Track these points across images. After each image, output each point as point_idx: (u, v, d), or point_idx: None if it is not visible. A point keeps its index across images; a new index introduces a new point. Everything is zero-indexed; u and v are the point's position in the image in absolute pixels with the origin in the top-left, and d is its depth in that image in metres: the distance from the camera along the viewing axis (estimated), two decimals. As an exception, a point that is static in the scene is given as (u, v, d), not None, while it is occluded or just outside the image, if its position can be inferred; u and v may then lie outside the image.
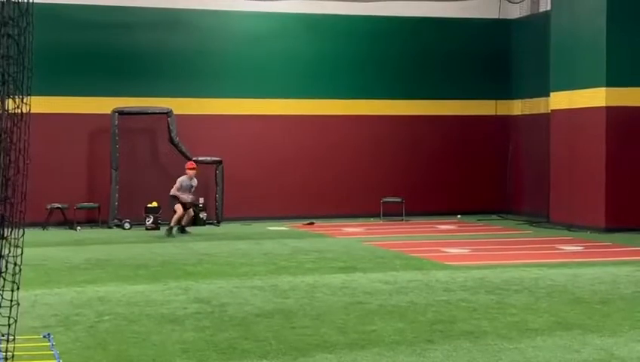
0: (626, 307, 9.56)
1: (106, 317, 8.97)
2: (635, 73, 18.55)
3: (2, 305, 6.50)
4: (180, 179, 18.50)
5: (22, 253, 6.32)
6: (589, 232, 18.17)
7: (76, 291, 10.70)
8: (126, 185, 20.04)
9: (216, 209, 20.57)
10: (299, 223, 20.46)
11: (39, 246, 15.17)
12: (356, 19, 22.23)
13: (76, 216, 19.82)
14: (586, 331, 8.27)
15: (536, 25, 22.02)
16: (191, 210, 18.64)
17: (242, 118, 21.44)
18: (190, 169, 18.62)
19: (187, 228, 18.56)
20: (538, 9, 22.46)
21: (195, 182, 18.63)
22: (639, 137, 18.68)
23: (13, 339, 6.67)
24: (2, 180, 6.15)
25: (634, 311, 9.33)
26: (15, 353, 6.75)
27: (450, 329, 8.38)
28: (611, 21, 18.50)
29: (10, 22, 6.13)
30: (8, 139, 6.14)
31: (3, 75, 6.15)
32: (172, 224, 18.13)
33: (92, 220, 20.20)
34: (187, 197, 18.41)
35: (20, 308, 6.55)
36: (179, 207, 18.15)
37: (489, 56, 23.07)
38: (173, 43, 21.11)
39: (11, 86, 6.19)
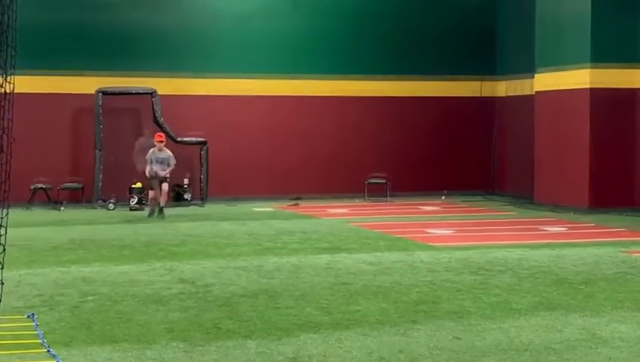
0: (609, 287, 9.62)
1: (90, 298, 8.96)
2: (619, 51, 18.60)
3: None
4: (149, 151, 18.04)
5: (6, 233, 6.31)
6: (572, 213, 18.26)
7: (60, 271, 10.68)
8: (110, 165, 19.97)
9: (201, 189, 20.55)
10: (284, 202, 20.43)
11: (23, 227, 15.11)
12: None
13: (60, 196, 19.76)
14: (568, 311, 8.32)
15: (521, 3, 22.00)
16: (165, 184, 17.85)
17: (227, 99, 21.38)
18: (158, 141, 17.97)
19: (165, 209, 17.94)
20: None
21: (166, 155, 17.89)
22: (623, 118, 18.77)
23: (-3, 319, 6.66)
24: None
25: (616, 291, 9.39)
26: (-1, 333, 6.75)
27: (434, 309, 8.42)
28: (597, -1, 18.59)
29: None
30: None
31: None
32: (150, 204, 17.93)
33: (76, 200, 20.14)
34: (162, 171, 17.79)
35: (4, 288, 6.55)
36: (151, 192, 17.91)
37: (475, 35, 23.06)
38: (158, 21, 21.02)
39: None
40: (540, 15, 20.11)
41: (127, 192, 19.63)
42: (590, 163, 18.57)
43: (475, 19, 23.14)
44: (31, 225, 15.90)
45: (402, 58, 22.53)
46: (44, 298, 8.90)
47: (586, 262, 11.49)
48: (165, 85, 20.53)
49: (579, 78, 18.84)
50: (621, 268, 10.96)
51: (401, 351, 6.77)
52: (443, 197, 22.00)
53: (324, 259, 11.76)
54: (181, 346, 6.91)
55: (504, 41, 22.92)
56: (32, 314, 7.96)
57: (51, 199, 19.77)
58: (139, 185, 19.65)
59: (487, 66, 23.11)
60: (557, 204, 19.07)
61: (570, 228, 15.74)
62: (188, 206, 20.13)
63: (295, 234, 14.59)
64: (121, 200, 19.63)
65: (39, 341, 7.01)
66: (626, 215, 17.69)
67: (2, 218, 6.30)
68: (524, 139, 21.14)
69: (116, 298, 8.94)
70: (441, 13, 22.85)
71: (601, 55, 18.53)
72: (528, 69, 20.95)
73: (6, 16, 6.15)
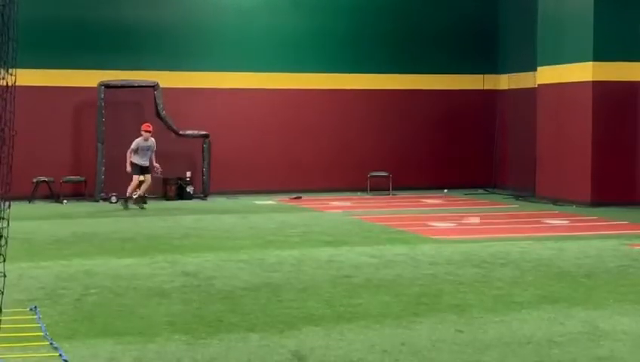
0: (611, 280, 9.62)
1: (93, 291, 8.96)
2: (622, 47, 18.56)
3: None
4: (135, 141, 18.25)
5: (8, 226, 6.31)
6: (574, 206, 18.25)
7: (63, 264, 10.69)
8: (112, 158, 19.95)
9: (203, 183, 20.54)
10: (286, 197, 20.46)
11: (25, 220, 15.12)
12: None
13: (62, 190, 19.77)
14: (571, 304, 8.32)
15: (523, 0, 21.97)
16: (149, 176, 18.30)
17: (229, 92, 21.37)
18: (145, 131, 18.32)
19: (147, 200, 18.55)
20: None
21: (151, 142, 18.30)
22: (625, 112, 18.74)
23: (0, 312, 6.66)
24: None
25: (618, 284, 9.39)
26: (1, 326, 6.74)
27: (436, 302, 8.42)
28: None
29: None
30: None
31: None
32: (127, 194, 18.10)
33: (78, 194, 20.15)
34: (144, 161, 18.19)
35: (6, 281, 6.54)
36: (135, 178, 18.09)
37: (476, 30, 23.03)
38: (159, 16, 21.00)
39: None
40: (542, 12, 20.07)
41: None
42: (592, 157, 18.54)
43: (476, 17, 23.09)
44: (33, 219, 15.90)
45: (404, 56, 22.49)
46: (47, 291, 8.92)
47: (588, 255, 11.49)
48: (167, 79, 20.51)
49: (581, 70, 18.80)
50: (624, 261, 10.96)
51: (403, 345, 6.77)
52: (445, 191, 22.01)
53: (327, 252, 11.76)
54: (183, 339, 6.91)
55: (506, 38, 22.88)
56: (35, 307, 7.98)
57: (53, 192, 19.77)
58: (141, 178, 19.63)
59: (489, 64, 23.08)
60: (559, 198, 19.06)
61: (573, 222, 15.73)
62: (190, 199, 20.14)
63: (297, 228, 14.59)
64: (123, 194, 19.61)
65: (42, 334, 7.02)
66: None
67: (4, 211, 6.30)
68: (526, 134, 21.12)
69: (118, 291, 8.95)
70: (443, 11, 22.80)
71: (604, 53, 18.48)
72: (530, 67, 20.93)
73: (7, 8, 6.14)
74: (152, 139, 18.36)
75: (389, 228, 14.53)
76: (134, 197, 18.16)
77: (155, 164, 18.26)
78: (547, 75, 19.93)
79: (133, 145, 18.16)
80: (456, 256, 11.34)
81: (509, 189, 21.97)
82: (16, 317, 7.50)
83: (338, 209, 18.09)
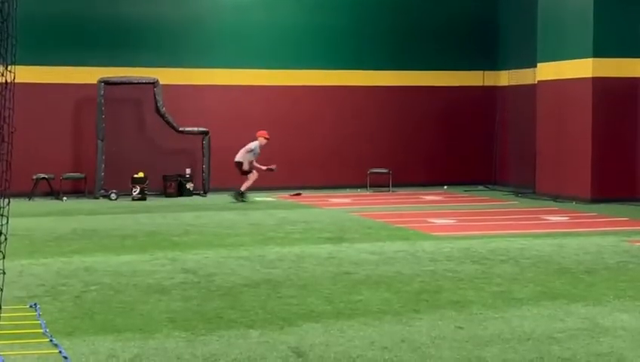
0: (611, 277, 9.63)
1: (93, 287, 8.97)
2: (621, 44, 18.56)
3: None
4: (256, 145, 19.22)
5: (7, 222, 6.30)
6: (574, 203, 18.26)
7: (63, 261, 10.69)
8: (112, 155, 19.96)
9: (203, 179, 20.54)
10: (285, 194, 20.47)
11: (25, 217, 15.13)
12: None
13: (62, 187, 19.78)
14: (570, 300, 8.33)
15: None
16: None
17: (229, 89, 21.37)
18: (265, 138, 19.29)
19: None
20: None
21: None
22: (625, 108, 18.74)
23: (0, 309, 6.66)
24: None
25: (618, 280, 9.40)
26: (1, 323, 6.74)
27: (436, 298, 8.42)
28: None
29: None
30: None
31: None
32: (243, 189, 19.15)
33: (78, 190, 20.16)
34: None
35: (6, 278, 6.55)
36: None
37: (476, 26, 23.03)
38: (159, 13, 20.99)
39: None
40: (542, 8, 20.05)
41: (130, 182, 19.62)
42: (592, 154, 18.54)
43: (476, 13, 23.08)
44: (33, 216, 15.91)
45: (403, 52, 22.47)
46: (47, 288, 8.92)
47: (588, 251, 11.49)
48: (167, 76, 20.50)
49: (581, 67, 18.80)
50: (623, 258, 10.96)
51: (403, 341, 6.77)
52: (445, 187, 22.03)
53: (327, 248, 11.77)
54: (183, 336, 6.92)
55: (506, 35, 22.86)
56: (35, 304, 7.98)
57: (53, 189, 19.77)
58: (141, 175, 19.66)
59: (489, 61, 23.07)
60: (559, 195, 19.06)
61: (572, 218, 15.74)
62: (190, 196, 20.15)
63: (297, 224, 14.60)
64: (123, 191, 19.63)
65: (41, 331, 7.02)
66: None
67: (3, 207, 6.30)
68: (526, 130, 21.11)
69: (118, 288, 8.96)
70: (443, 7, 22.78)
71: (604, 49, 18.46)
72: (530, 63, 20.91)
73: (6, 5, 6.14)
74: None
75: (388, 225, 14.53)
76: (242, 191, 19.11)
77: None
78: (547, 71, 19.92)
79: (257, 150, 19.21)
80: (456, 253, 11.34)
81: (509, 186, 21.97)
82: (16, 313, 7.50)
83: (338, 205, 18.08)
